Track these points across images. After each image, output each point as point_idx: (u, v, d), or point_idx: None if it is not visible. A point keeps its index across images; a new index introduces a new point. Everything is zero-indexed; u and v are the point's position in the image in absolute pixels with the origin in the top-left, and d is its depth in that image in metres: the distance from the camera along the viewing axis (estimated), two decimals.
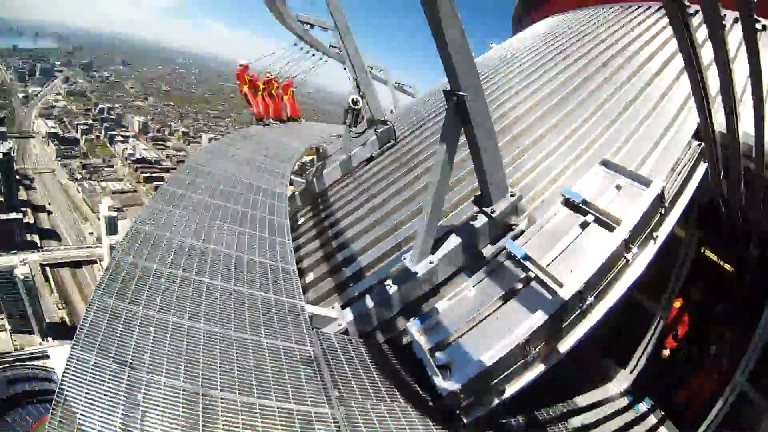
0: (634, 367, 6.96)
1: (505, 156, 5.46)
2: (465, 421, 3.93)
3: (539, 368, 3.99)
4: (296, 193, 7.90)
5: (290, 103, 13.92)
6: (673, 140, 5.20)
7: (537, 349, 3.88)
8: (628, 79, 6.38)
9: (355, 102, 8.21)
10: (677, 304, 6.47)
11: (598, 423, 5.90)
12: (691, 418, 6.60)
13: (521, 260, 4.17)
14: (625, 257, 4.09)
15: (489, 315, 4.17)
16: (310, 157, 11.78)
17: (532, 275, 4.09)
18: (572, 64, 6.74)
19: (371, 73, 12.04)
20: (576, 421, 5.50)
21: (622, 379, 7.01)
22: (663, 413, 6.79)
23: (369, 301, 4.93)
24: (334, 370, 3.91)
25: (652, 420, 6.65)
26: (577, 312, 3.94)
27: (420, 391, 4.15)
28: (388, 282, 4.88)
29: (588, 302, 3.94)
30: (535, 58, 7.15)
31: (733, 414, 5.78)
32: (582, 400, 6.00)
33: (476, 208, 4.80)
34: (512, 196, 4.61)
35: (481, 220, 4.64)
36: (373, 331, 4.89)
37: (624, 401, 6.67)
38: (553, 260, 4.17)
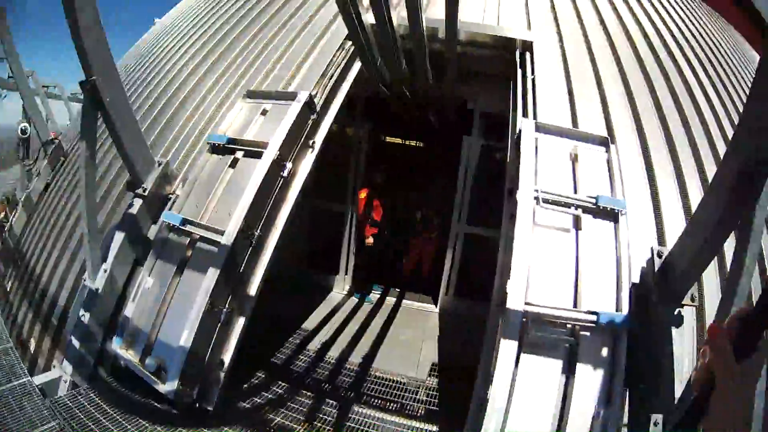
0: (346, 267, 7.43)
1: (157, 126, 5.03)
2: (210, 408, 3.70)
3: (240, 321, 3.80)
4: None
5: None
6: (324, 48, 5.15)
7: (227, 305, 3.63)
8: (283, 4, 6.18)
9: (23, 131, 7.04)
10: (363, 194, 6.91)
11: (344, 325, 6.32)
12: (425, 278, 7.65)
13: (180, 227, 3.83)
14: (281, 176, 3.97)
15: (172, 296, 3.80)
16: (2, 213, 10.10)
17: (196, 236, 3.78)
18: (224, 13, 6.37)
19: (47, 92, 10.55)
20: (326, 337, 5.85)
21: (342, 283, 7.50)
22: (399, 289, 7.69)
23: (75, 342, 4.26)
24: None
25: (390, 300, 7.40)
26: (249, 250, 3.78)
27: (160, 406, 3.74)
28: (81, 311, 4.24)
29: (257, 235, 3.76)
30: (192, 20, 6.69)
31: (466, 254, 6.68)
32: (317, 318, 6.38)
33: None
34: (159, 165, 4.19)
35: (137, 204, 4.17)
36: (95, 370, 4.25)
37: (354, 300, 7.24)
38: (214, 212, 3.91)
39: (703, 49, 5.60)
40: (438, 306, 7.14)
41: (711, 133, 4.41)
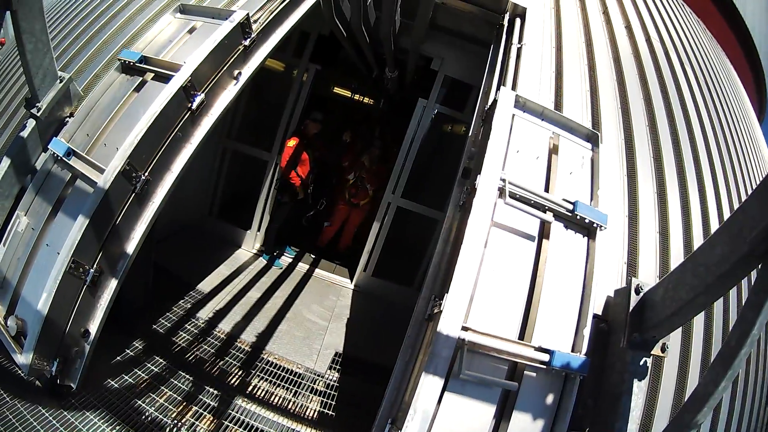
0: (260, 223, 6.82)
1: (76, 41, 4.36)
2: (73, 385, 3.21)
3: (111, 284, 3.19)
4: None
5: None
6: None
7: (96, 265, 3.03)
8: None
9: None
10: (292, 142, 6.14)
11: (245, 290, 5.71)
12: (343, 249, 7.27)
13: (64, 158, 3.21)
14: (189, 108, 3.28)
15: (42, 242, 3.23)
16: None
17: (78, 172, 3.15)
18: None
19: None
20: (222, 303, 5.26)
21: (251, 241, 6.88)
22: (314, 256, 7.21)
23: None
24: None
25: (303, 267, 6.85)
26: (131, 197, 3.13)
27: (26, 377, 3.24)
28: None
29: (142, 180, 3.12)
30: None
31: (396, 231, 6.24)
32: (214, 279, 5.72)
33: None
34: (61, 81, 3.55)
35: (29, 126, 3.57)
36: None
37: (261, 261, 6.61)
38: (102, 146, 3.27)
39: (700, 66, 5.15)
40: (353, 282, 6.63)
41: (698, 152, 3.96)
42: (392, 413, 2.60)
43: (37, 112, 3.51)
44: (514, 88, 3.54)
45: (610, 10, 4.75)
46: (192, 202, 6.61)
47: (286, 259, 6.80)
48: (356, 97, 11.60)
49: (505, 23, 4.31)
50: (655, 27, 4.98)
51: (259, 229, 6.77)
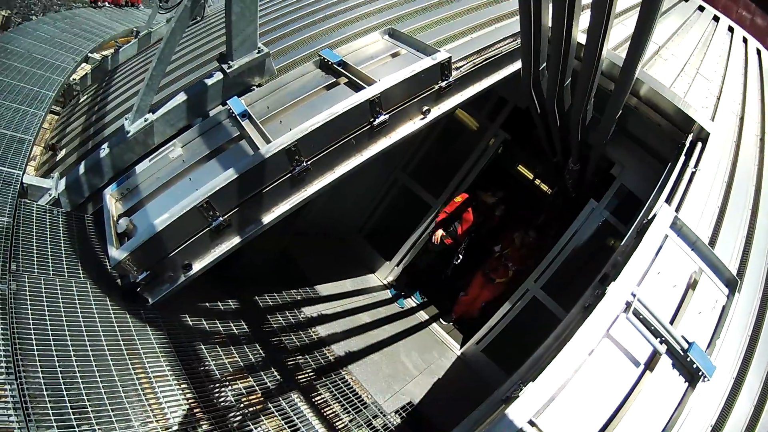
0: (401, 260, 6.99)
1: (287, 26, 4.93)
2: (150, 300, 3.48)
3: (233, 239, 3.47)
4: (87, 73, 7.07)
5: None
6: (495, 32, 4.80)
7: (226, 216, 3.33)
8: None
9: None
10: (460, 198, 6.37)
11: (357, 311, 5.84)
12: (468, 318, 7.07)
13: (238, 117, 3.61)
14: (370, 122, 3.60)
15: (186, 175, 3.60)
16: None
17: (246, 134, 3.53)
18: None
19: None
20: (330, 311, 5.44)
21: (386, 272, 7.04)
22: (437, 310, 7.23)
23: (81, 168, 4.28)
24: (21, 243, 3.45)
25: (422, 315, 6.88)
26: (286, 177, 3.42)
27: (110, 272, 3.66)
28: (104, 146, 4.23)
29: (302, 167, 3.41)
30: None
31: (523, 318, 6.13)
32: (334, 288, 5.93)
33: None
34: (259, 52, 4.04)
35: (216, 77, 4.06)
36: (85, 203, 4.30)
37: (386, 294, 6.74)
38: (278, 122, 3.65)
39: None
40: (461, 350, 6.61)
41: None
42: None
43: (228, 69, 3.99)
44: (677, 210, 3.58)
45: None
46: (348, 214, 7.11)
47: (410, 302, 6.94)
48: (536, 181, 11.76)
49: (687, 143, 4.39)
50: None
51: (398, 264, 7.04)
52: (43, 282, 3.20)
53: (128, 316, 3.40)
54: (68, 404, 2.59)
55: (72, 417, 2.57)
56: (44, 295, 3.11)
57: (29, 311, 2.93)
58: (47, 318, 2.96)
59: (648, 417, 2.57)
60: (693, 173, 3.95)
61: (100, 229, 3.92)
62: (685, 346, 2.73)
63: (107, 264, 3.52)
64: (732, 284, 3.24)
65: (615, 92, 3.76)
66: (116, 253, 3.29)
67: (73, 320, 3.06)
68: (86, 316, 3.16)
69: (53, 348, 2.81)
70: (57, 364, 2.74)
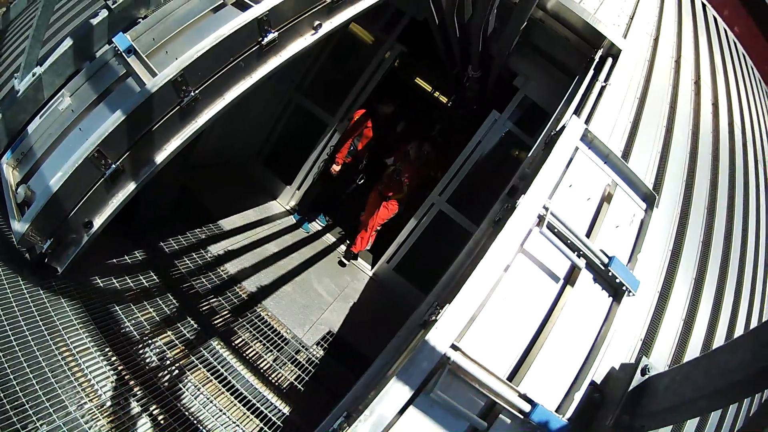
0: (301, 182, 7.07)
1: None
2: (59, 269, 3.35)
3: (129, 186, 3.33)
4: None
5: None
6: None
7: (118, 162, 3.17)
8: None
9: None
10: (358, 115, 6.40)
11: (264, 241, 5.90)
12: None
13: (123, 54, 3.36)
14: (258, 42, 3.39)
15: (76, 125, 3.43)
16: None
17: (132, 70, 3.31)
18: None
19: None
20: (237, 245, 5.46)
21: (287, 196, 7.12)
22: (344, 232, 7.41)
23: None
24: None
25: (329, 239, 7.04)
26: (175, 109, 3.25)
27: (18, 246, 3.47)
28: None
29: (190, 97, 3.23)
30: None
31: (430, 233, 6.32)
32: (238, 220, 5.97)
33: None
34: None
35: (101, 15, 3.77)
36: None
37: (291, 220, 6.82)
38: (164, 53, 3.43)
39: None
40: (373, 270, 6.83)
41: (746, 252, 3.97)
42: (352, 407, 2.55)
43: (112, 4, 3.71)
44: (587, 122, 3.52)
45: (702, 82, 4.79)
46: (243, 140, 6.96)
47: (315, 226, 7.02)
48: (435, 94, 11.86)
49: (596, 58, 4.38)
50: (740, 113, 5.02)
51: (299, 188, 7.08)
52: None
53: (41, 291, 3.36)
54: (7, 405, 2.61)
55: (15, 419, 2.60)
56: None
57: None
58: None
59: (574, 332, 2.60)
60: (603, 87, 3.95)
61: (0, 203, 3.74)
62: (605, 260, 2.77)
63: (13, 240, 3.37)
64: (650, 199, 3.25)
65: (520, 4, 3.65)
66: (18, 225, 3.18)
67: None
68: (2, 303, 3.12)
69: None
70: None
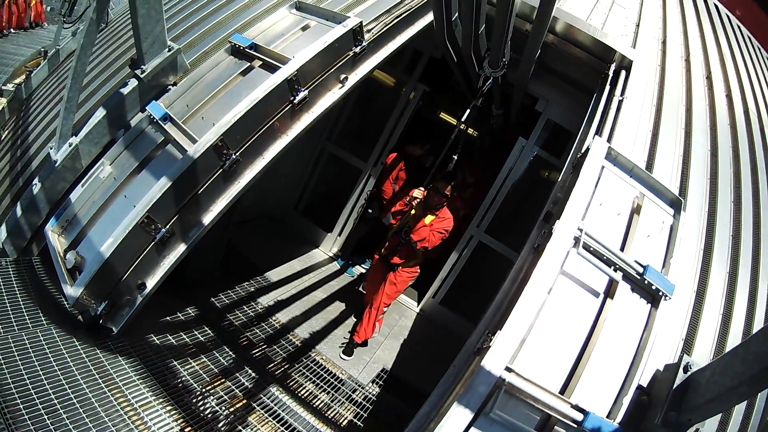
0: (342, 228, 7.36)
1: (190, 18, 5.00)
2: (114, 329, 3.68)
3: (179, 248, 3.65)
4: (4, 106, 7.08)
5: (35, 6, 12.51)
6: None
7: (168, 226, 3.49)
8: None
9: None
10: (390, 159, 6.55)
11: (311, 289, 6.19)
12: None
13: (159, 121, 3.72)
14: (290, 101, 3.75)
15: (120, 193, 3.74)
16: None
17: (171, 138, 3.65)
18: None
19: None
20: (285, 295, 5.75)
21: (329, 243, 7.43)
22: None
23: (18, 209, 4.35)
24: None
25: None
26: (218, 173, 3.58)
27: (70, 309, 3.76)
28: (36, 181, 4.31)
29: (232, 159, 3.57)
30: None
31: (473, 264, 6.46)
32: (284, 271, 6.26)
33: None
34: (169, 50, 4.10)
35: (131, 85, 4.13)
36: (29, 245, 4.37)
37: (335, 266, 7.11)
38: (200, 119, 3.77)
39: None
40: (420, 306, 7.05)
41: None
42: None
43: (141, 74, 4.06)
44: (609, 140, 3.80)
45: (713, 76, 5.03)
46: (281, 194, 7.35)
47: (359, 269, 7.27)
48: (462, 126, 11.94)
49: (611, 73, 4.58)
50: (754, 99, 5.25)
51: (339, 234, 7.37)
52: (11, 339, 3.32)
53: (98, 351, 3.56)
54: None
55: None
56: (16, 354, 3.23)
57: (7, 375, 3.05)
58: (25, 377, 3.09)
59: (618, 342, 2.82)
60: (620, 102, 4.16)
61: (48, 268, 4.01)
62: (640, 269, 2.96)
63: (66, 303, 3.64)
64: (676, 204, 3.46)
65: (532, 33, 3.92)
66: (71, 290, 3.45)
67: (49, 372, 3.20)
68: (59, 363, 3.29)
69: (39, 406, 2.95)
70: (48, 422, 2.89)
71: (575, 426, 2.52)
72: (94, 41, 4.05)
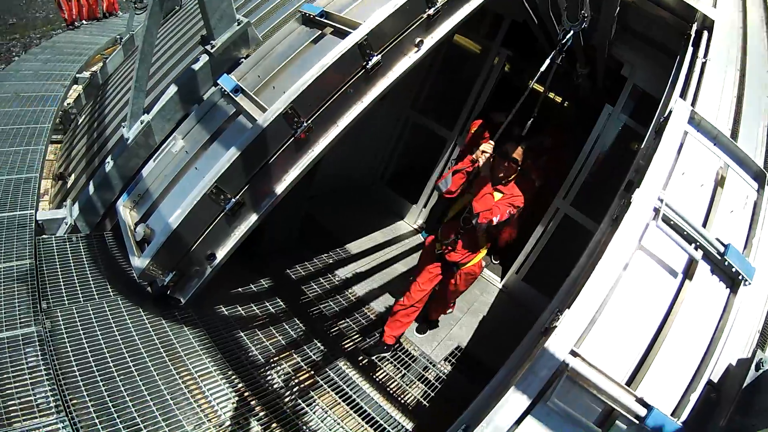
0: (427, 200, 7.33)
1: None
2: (182, 299, 3.87)
3: (250, 218, 3.79)
4: (80, 93, 7.46)
5: None
6: None
7: (238, 196, 3.66)
8: None
9: None
10: (475, 126, 6.21)
11: (392, 262, 6.20)
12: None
13: (231, 94, 3.82)
14: (363, 66, 3.80)
15: (191, 166, 3.94)
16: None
17: (242, 108, 3.74)
18: None
19: None
20: (364, 267, 5.81)
21: (414, 215, 7.42)
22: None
23: (91, 187, 4.63)
24: (48, 280, 3.81)
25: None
26: (289, 141, 3.68)
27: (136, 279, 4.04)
28: (108, 159, 4.53)
29: (304, 127, 3.65)
30: None
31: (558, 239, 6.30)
32: (365, 243, 6.32)
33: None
34: (239, 24, 4.26)
35: (202, 61, 4.33)
36: (102, 221, 4.72)
37: (418, 238, 7.05)
38: (271, 89, 3.92)
39: None
40: (503, 282, 6.98)
41: None
42: (472, 420, 2.68)
43: (211, 49, 4.26)
44: (693, 104, 3.60)
45: None
46: (364, 164, 7.58)
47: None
48: (550, 94, 11.69)
49: (692, 33, 4.46)
50: None
51: (425, 206, 7.44)
52: (75, 311, 3.59)
53: (164, 321, 3.80)
54: (122, 430, 2.95)
55: None
56: (79, 324, 3.49)
57: (67, 345, 3.30)
58: (86, 346, 3.34)
59: (693, 329, 2.60)
60: (704, 63, 3.99)
61: (120, 242, 4.31)
62: (721, 249, 2.76)
63: (134, 275, 3.88)
64: (761, 177, 3.28)
65: None
66: (139, 261, 3.72)
67: (111, 341, 3.47)
68: (123, 334, 3.55)
69: (97, 375, 3.19)
70: (104, 391, 3.11)
71: (637, 422, 2.27)
72: (158, 22, 4.30)
